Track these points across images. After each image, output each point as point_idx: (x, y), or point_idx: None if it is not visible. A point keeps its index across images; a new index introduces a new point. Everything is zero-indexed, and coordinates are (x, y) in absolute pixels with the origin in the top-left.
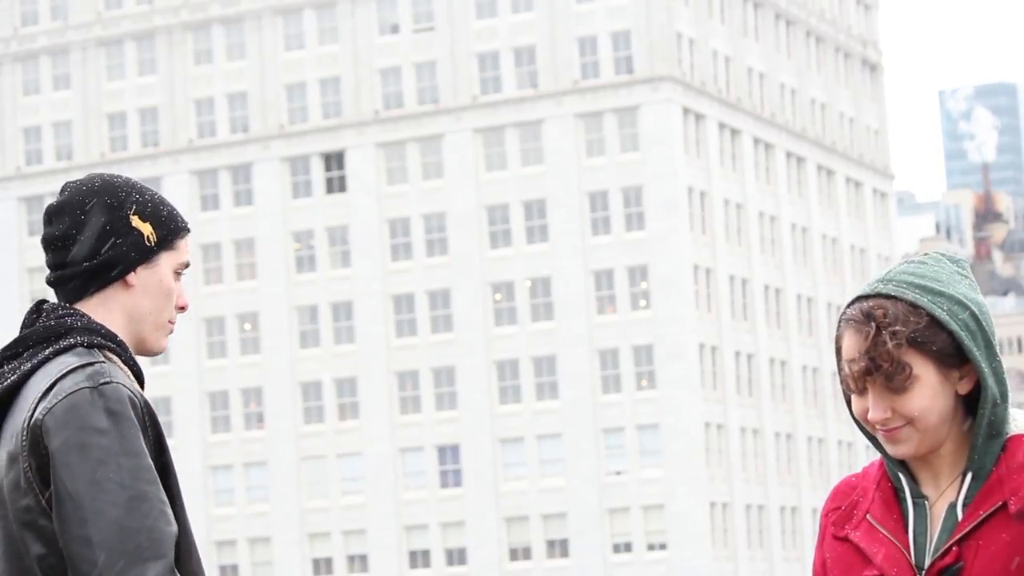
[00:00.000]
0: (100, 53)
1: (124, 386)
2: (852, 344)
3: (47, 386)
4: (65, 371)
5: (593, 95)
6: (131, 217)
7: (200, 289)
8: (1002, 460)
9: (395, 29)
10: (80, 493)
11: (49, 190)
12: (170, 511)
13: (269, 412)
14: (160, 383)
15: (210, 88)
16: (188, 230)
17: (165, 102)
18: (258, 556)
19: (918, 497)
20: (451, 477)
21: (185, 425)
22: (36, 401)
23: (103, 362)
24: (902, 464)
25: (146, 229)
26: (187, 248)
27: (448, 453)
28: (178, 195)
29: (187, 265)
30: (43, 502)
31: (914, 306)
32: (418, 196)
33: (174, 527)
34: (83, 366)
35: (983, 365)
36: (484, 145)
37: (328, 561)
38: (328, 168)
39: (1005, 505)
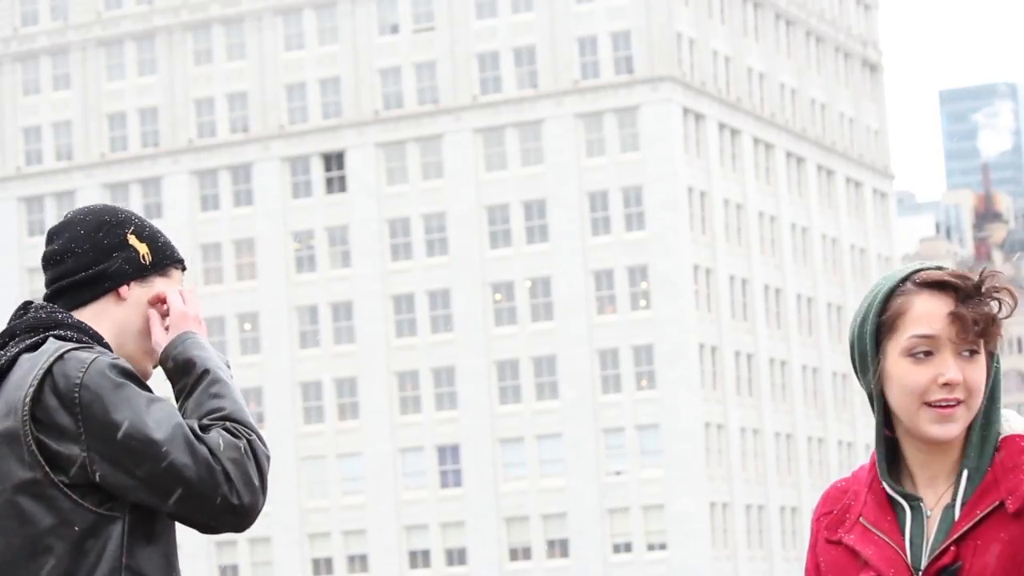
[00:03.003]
0: (100, 53)
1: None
2: (945, 303)
3: (50, 364)
4: (68, 348)
5: (593, 95)
6: (128, 235)
7: (200, 289)
8: (997, 460)
9: (395, 29)
10: (150, 435)
11: (49, 190)
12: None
13: (269, 412)
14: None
15: (210, 88)
16: (184, 265)
17: (165, 102)
18: (258, 556)
19: (913, 500)
20: (451, 477)
21: None
22: (40, 378)
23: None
24: (895, 465)
25: (142, 248)
26: (180, 281)
27: (448, 453)
28: (178, 195)
29: None
30: (51, 474)
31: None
32: (418, 196)
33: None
34: (84, 347)
35: (996, 364)
36: (484, 145)
37: (328, 561)
38: (328, 168)
39: (1002, 504)
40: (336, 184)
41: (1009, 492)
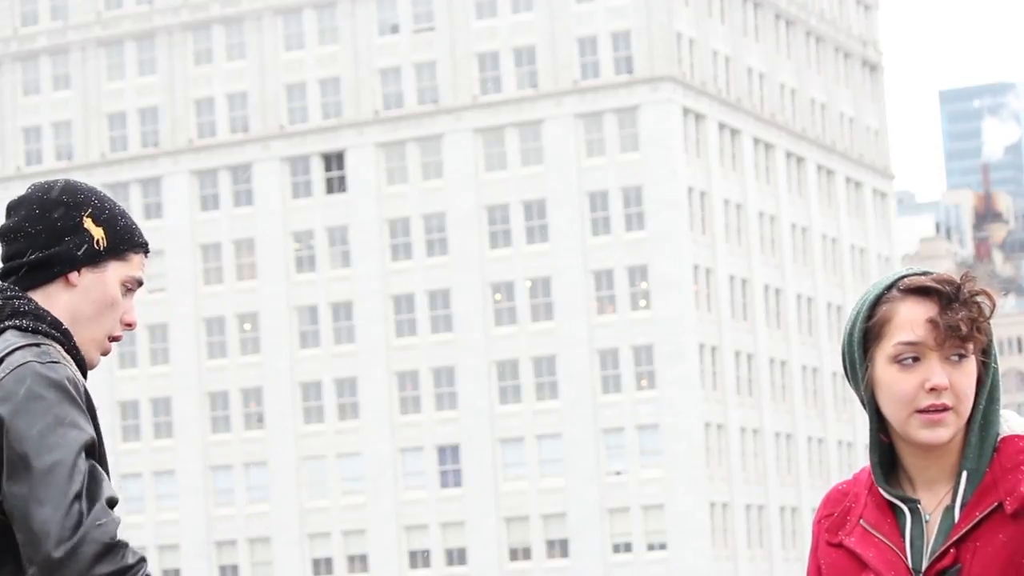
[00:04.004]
0: (100, 53)
1: (67, 366)
2: (926, 308)
3: None
4: (12, 348)
5: (593, 95)
6: (84, 219)
7: (200, 289)
8: (995, 461)
9: (395, 29)
10: (30, 454)
11: None
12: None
13: (269, 412)
14: (160, 383)
15: (210, 88)
16: (145, 248)
17: (165, 102)
18: (258, 556)
19: (911, 503)
20: (451, 477)
21: (185, 425)
22: None
23: (50, 344)
24: (894, 468)
25: (97, 233)
26: (142, 265)
27: (448, 453)
28: (178, 195)
29: (139, 283)
30: None
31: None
32: (418, 196)
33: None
34: (29, 345)
35: (994, 364)
36: (484, 145)
37: (328, 561)
38: (328, 168)
39: (1001, 506)
40: (336, 184)
41: (1007, 493)
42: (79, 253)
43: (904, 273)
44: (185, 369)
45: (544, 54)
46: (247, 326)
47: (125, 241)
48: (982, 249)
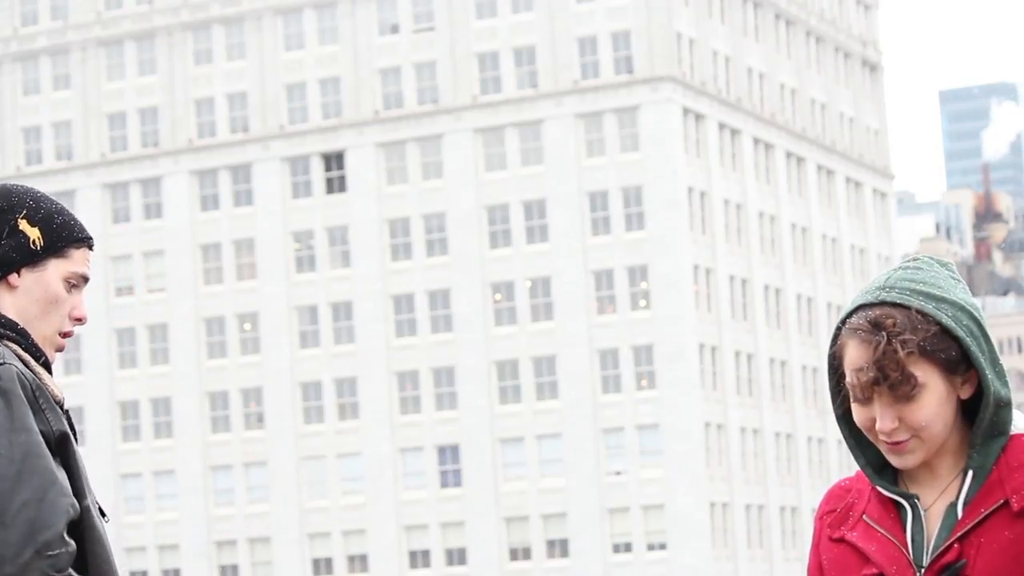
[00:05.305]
0: (100, 53)
1: (14, 366)
2: (859, 354)
3: None
4: None
5: (593, 95)
6: (18, 221)
7: (200, 289)
8: (1002, 459)
9: (395, 29)
10: None
11: (49, 190)
12: (64, 484)
13: (269, 412)
14: (160, 383)
15: (210, 88)
16: (86, 242)
17: (165, 102)
18: (258, 556)
19: (909, 498)
20: (451, 477)
21: (185, 425)
22: None
23: None
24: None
25: (33, 233)
26: (85, 261)
27: (448, 453)
28: (178, 195)
29: (85, 278)
30: None
31: (922, 314)
32: (418, 196)
33: (67, 499)
34: None
35: (987, 371)
36: (484, 145)
37: (328, 561)
38: (328, 168)
39: (1007, 503)
40: (336, 184)
41: (1014, 491)
42: (16, 255)
43: (860, 303)
44: (185, 369)
45: (544, 54)
46: (247, 326)
47: (63, 238)
48: (982, 249)
